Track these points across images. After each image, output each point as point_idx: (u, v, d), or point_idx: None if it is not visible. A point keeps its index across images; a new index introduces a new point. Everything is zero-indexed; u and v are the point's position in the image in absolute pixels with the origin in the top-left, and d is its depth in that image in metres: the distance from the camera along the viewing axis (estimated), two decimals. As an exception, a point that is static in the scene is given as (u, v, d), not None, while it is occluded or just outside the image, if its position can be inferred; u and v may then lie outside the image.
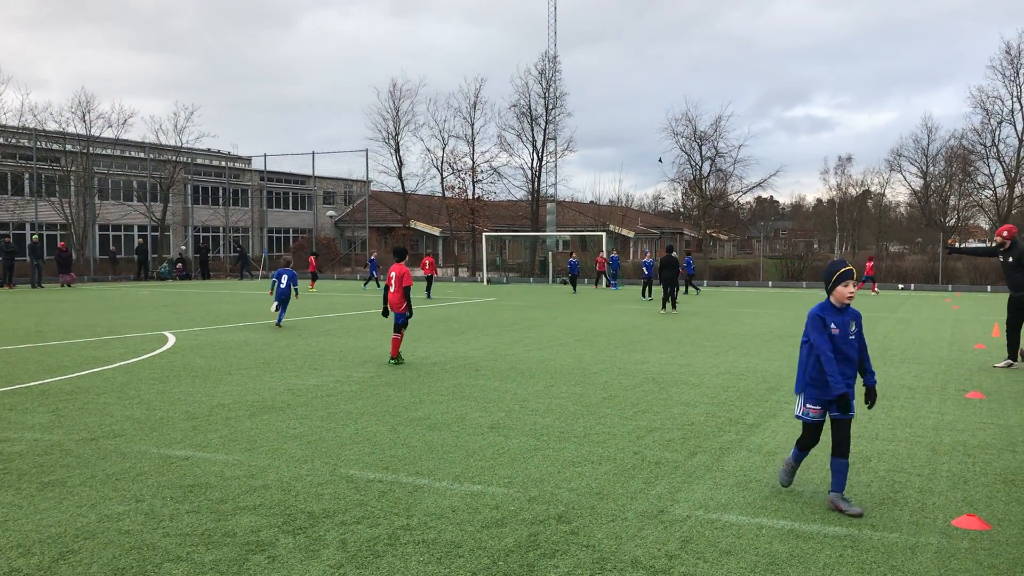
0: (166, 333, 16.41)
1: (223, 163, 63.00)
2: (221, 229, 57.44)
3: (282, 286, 17.96)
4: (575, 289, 37.08)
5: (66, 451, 6.94)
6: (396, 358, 12.37)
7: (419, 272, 31.32)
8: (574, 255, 39.24)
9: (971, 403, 9.23)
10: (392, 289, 12.54)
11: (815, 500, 5.67)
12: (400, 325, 12.48)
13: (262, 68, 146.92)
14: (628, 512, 5.41)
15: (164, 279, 45.30)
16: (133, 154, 54.52)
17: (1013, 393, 9.80)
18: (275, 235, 63.66)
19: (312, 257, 37.36)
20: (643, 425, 8.03)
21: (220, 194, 59.29)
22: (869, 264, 36.05)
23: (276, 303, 18.02)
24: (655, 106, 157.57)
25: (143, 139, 51.77)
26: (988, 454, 6.93)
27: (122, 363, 12.20)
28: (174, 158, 50.83)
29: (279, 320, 18.08)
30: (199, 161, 58.96)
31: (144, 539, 4.89)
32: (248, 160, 66.34)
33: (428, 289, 31.20)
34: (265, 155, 56.46)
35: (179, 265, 47.19)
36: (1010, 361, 11.95)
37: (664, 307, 23.22)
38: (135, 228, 52.73)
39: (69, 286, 36.90)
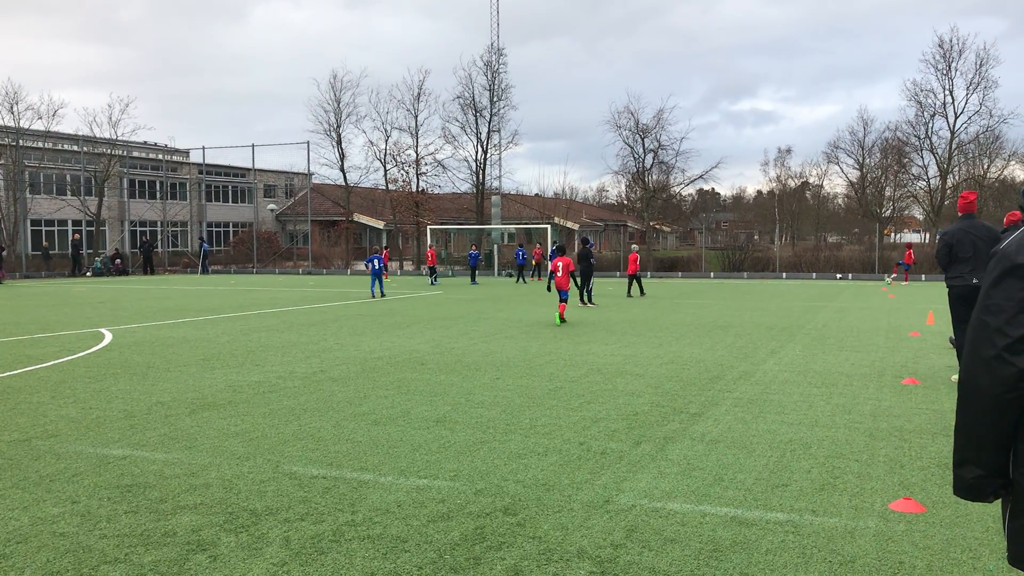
0: (102, 330, 16.02)
1: (160, 156, 61.70)
2: (159, 223, 56.27)
3: (375, 268, 26.63)
4: (523, 279, 37.11)
5: (-3, 453, 6.73)
6: (563, 320, 17.41)
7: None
8: (521, 244, 39.13)
9: (907, 389, 9.46)
10: (559, 274, 17.80)
11: (757, 487, 5.75)
12: (565, 297, 17.78)
13: (211, 60, 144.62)
14: (574, 503, 5.43)
15: (100, 275, 44.24)
16: (66, 147, 53.07)
17: (947, 379, 10.06)
18: (214, 229, 62.60)
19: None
20: (588, 416, 8.06)
21: (157, 188, 58.07)
22: (909, 252, 37.24)
23: (373, 280, 26.59)
24: (604, 100, 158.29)
25: (76, 131, 50.45)
26: (923, 438, 7.11)
27: (56, 361, 11.88)
28: (108, 151, 49.64)
29: (381, 293, 26.39)
30: (135, 154, 57.67)
31: (80, 541, 4.76)
32: (186, 153, 65.11)
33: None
34: (204, 148, 55.60)
35: (117, 261, 46.13)
36: None
37: (581, 300, 22.57)
38: (69, 223, 51.42)
39: (0, 283, 35.82)
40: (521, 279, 37.47)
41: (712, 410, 8.35)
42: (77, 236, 46.69)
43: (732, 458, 6.50)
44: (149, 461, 6.45)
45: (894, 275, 37.61)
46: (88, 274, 44.26)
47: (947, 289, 9.67)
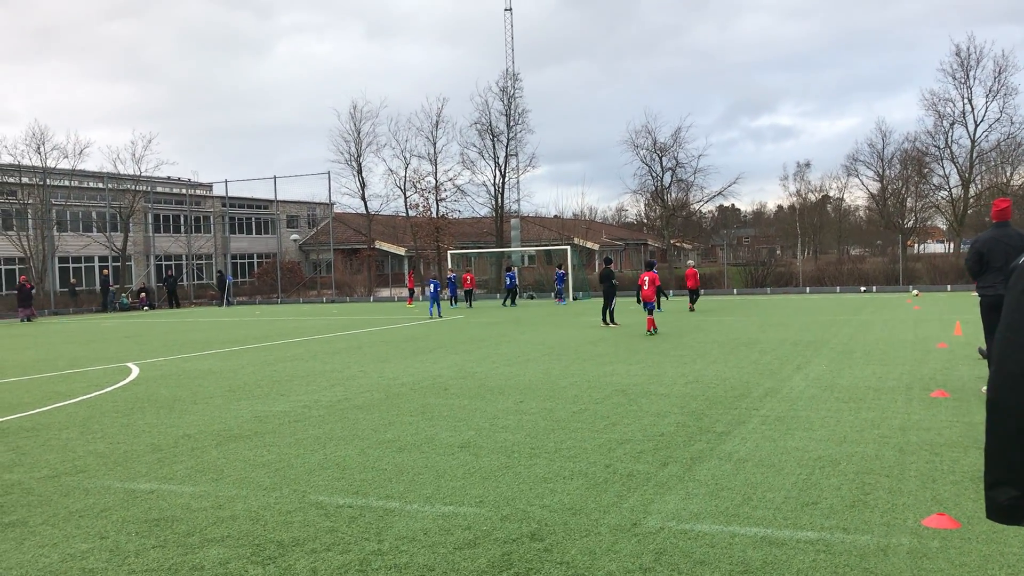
0: (129, 364, 16.15)
1: (183, 191, 62.39)
2: (184, 257, 56.82)
3: (431, 291, 30.44)
4: (512, 302, 36.82)
5: (27, 490, 6.78)
6: (653, 330, 19.36)
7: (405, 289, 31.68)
8: (510, 269, 38.90)
9: (936, 402, 9.33)
10: (646, 288, 20.21)
11: (786, 505, 5.68)
12: (652, 310, 20.11)
13: (234, 95, 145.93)
14: (601, 526, 5.38)
15: (126, 310, 44.67)
16: (91, 184, 53.81)
17: (977, 391, 9.92)
18: (239, 261, 63.09)
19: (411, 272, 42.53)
20: (614, 438, 8.01)
21: (182, 222, 58.69)
22: None
23: (432, 302, 30.03)
24: (621, 120, 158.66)
25: (101, 169, 51.17)
26: (955, 452, 7.00)
27: (84, 397, 11.98)
28: (133, 187, 50.27)
29: (439, 314, 29.74)
30: (159, 189, 58.36)
31: (109, 577, 4.77)
32: (209, 187, 65.77)
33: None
34: (227, 181, 56.03)
35: (142, 295, 46.58)
36: None
37: (604, 321, 22.63)
38: (96, 259, 52.01)
39: (30, 320, 36.25)
40: (511, 303, 37.17)
41: (739, 429, 8.27)
42: (106, 272, 47.18)
43: (760, 477, 6.43)
44: (176, 494, 6.47)
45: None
46: (123, 307, 44.71)
47: (978, 298, 9.55)
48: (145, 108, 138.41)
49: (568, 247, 43.23)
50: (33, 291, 38.73)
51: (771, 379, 11.51)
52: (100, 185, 52.48)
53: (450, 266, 42.20)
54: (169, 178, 60.49)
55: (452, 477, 6.74)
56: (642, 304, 20.66)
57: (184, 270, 56.64)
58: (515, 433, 8.40)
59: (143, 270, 55.46)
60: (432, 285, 30.95)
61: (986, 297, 9.36)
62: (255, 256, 64.82)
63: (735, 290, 43.01)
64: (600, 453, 7.41)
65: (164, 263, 56.20)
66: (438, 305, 30.30)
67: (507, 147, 53.18)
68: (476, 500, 6.06)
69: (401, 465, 7.20)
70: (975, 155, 50.90)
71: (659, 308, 26.81)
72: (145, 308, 45.44)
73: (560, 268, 39.16)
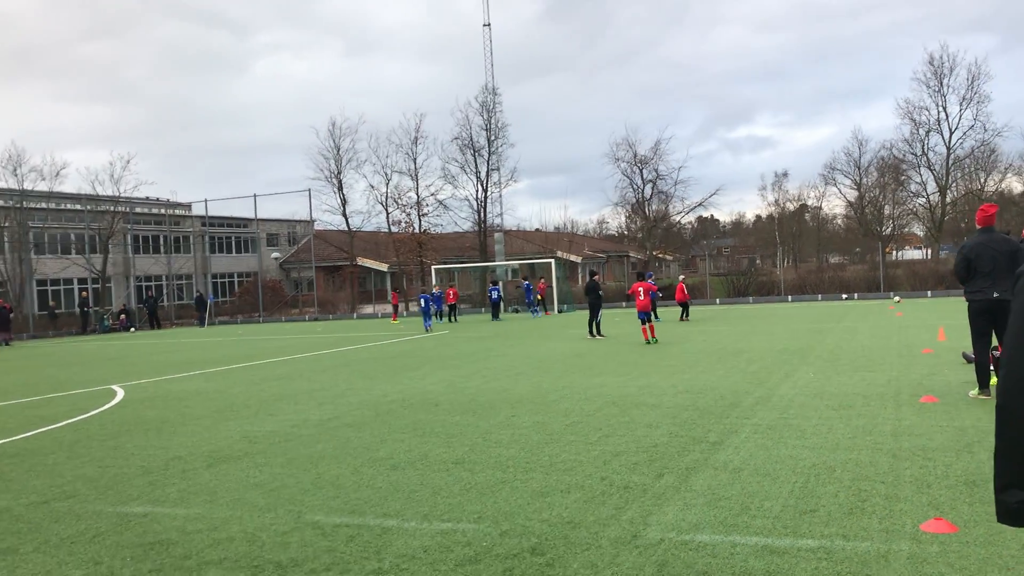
0: (114, 387, 16.00)
1: (163, 211, 62.05)
2: (164, 277, 56.45)
3: (423, 306, 31.29)
4: (496, 316, 37.07)
5: (16, 516, 6.69)
6: (652, 340, 19.80)
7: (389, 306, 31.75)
8: (494, 283, 39.19)
9: (926, 407, 9.39)
10: (642, 298, 20.50)
11: (785, 514, 5.69)
12: (648, 319, 20.36)
13: (213, 114, 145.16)
14: (602, 539, 5.37)
15: (107, 332, 44.30)
16: (70, 206, 53.44)
17: (964, 396, 9.99)
18: (219, 280, 62.75)
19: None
20: (608, 450, 8.01)
21: (161, 242, 58.34)
22: None
23: (425, 318, 30.75)
24: (602, 133, 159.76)
25: (79, 191, 50.83)
26: (948, 457, 7.04)
27: (69, 421, 11.85)
28: (112, 208, 49.95)
29: (426, 327, 30.18)
30: (138, 210, 58.02)
31: (106, 603, 4.70)
32: (188, 206, 65.46)
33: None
34: (206, 200, 55.87)
35: (122, 316, 46.21)
36: None
37: (591, 333, 22.73)
38: (75, 281, 51.60)
39: (7, 344, 35.86)
40: (496, 317, 37.47)
41: (732, 438, 8.29)
42: (85, 294, 46.79)
43: (757, 486, 6.44)
44: (170, 517, 6.40)
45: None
46: (104, 329, 44.37)
47: (966, 303, 9.63)
48: (123, 129, 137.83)
49: (552, 260, 43.33)
50: (12, 314, 38.33)
51: (760, 388, 11.54)
52: (78, 207, 52.15)
53: (434, 281, 42.17)
54: (148, 198, 60.19)
55: (448, 493, 6.70)
56: (638, 314, 20.91)
57: (165, 290, 56.27)
58: (509, 448, 8.37)
59: (123, 291, 55.03)
60: (423, 300, 31.75)
61: (974, 302, 9.44)
62: (236, 275, 64.50)
63: (718, 300, 43.19)
64: (595, 466, 7.39)
65: (144, 284, 55.80)
66: (428, 319, 30.97)
67: (488, 161, 53.36)
68: (474, 516, 6.03)
69: (396, 483, 7.15)
70: (951, 162, 51.52)
71: (656, 318, 27.06)
72: (132, 329, 45.10)
73: (525, 280, 39.18)
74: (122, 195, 50.05)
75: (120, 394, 14.78)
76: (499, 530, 5.67)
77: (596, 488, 6.62)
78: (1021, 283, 2.41)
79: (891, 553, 4.87)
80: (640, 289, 20.89)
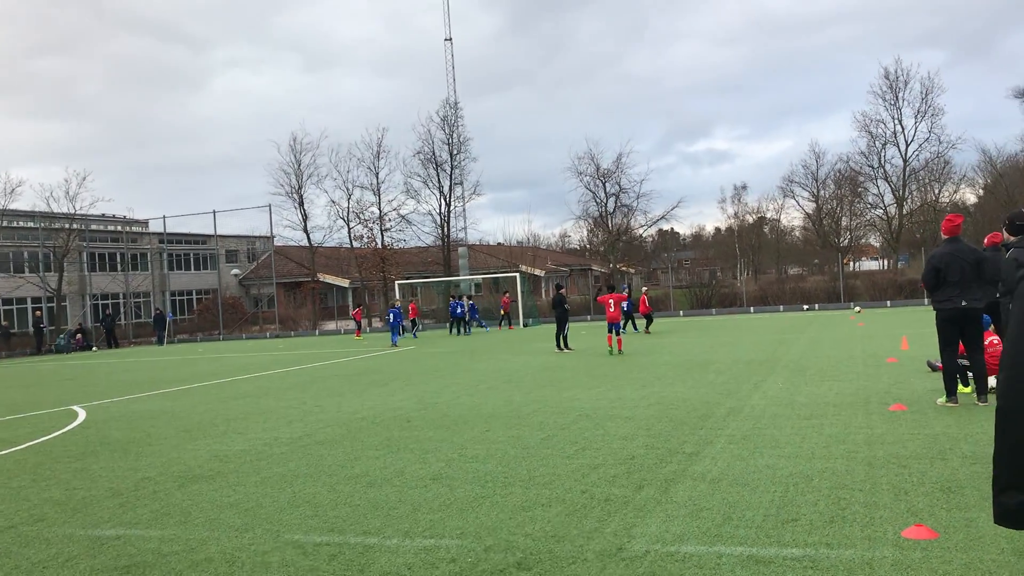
0: (75, 408, 15.67)
1: (119, 228, 61.12)
2: (121, 295, 55.56)
3: (391, 320, 31.41)
4: (457, 331, 37.19)
5: (-17, 542, 6.50)
6: (618, 352, 20.28)
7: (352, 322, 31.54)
8: (455, 297, 39.20)
9: (896, 415, 9.51)
10: (612, 309, 20.93)
11: (767, 524, 5.71)
12: (619, 329, 20.85)
13: (171, 130, 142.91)
14: (587, 552, 5.35)
15: (62, 351, 43.46)
16: (23, 224, 52.42)
17: (932, 403, 10.14)
18: (178, 298, 61.92)
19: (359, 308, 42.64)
20: (586, 463, 8.00)
21: (118, 260, 57.43)
22: None
23: (391, 332, 31.12)
24: (563, 147, 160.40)
25: (34, 207, 49.91)
26: (922, 464, 7.13)
27: (31, 443, 11.57)
28: (67, 226, 49.10)
29: (393, 341, 30.56)
30: (94, 227, 57.07)
31: (84, 629, 4.58)
32: (145, 223, 64.57)
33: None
34: (164, 217, 55.14)
35: (78, 336, 45.36)
36: None
37: (559, 346, 22.78)
38: (28, 300, 50.57)
39: (-39, 366, 35.03)
40: (457, 331, 37.45)
41: (707, 449, 8.32)
42: (38, 313, 45.87)
43: (737, 496, 6.46)
44: (145, 539, 6.26)
45: None
46: (59, 349, 43.53)
47: (935, 312, 9.76)
48: (78, 145, 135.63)
49: (517, 274, 43.35)
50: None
51: (731, 399, 11.62)
52: (32, 224, 51.18)
53: (398, 297, 41.98)
54: (104, 215, 59.28)
55: (428, 510, 6.64)
56: (608, 325, 21.12)
57: (122, 309, 55.36)
58: (485, 462, 8.32)
59: (79, 310, 54.04)
60: (392, 314, 32.02)
61: (943, 311, 9.59)
62: (195, 292, 63.68)
63: (681, 311, 43.51)
64: (574, 479, 7.38)
65: (101, 302, 54.86)
66: (395, 334, 31.27)
67: (451, 175, 53.36)
68: (457, 532, 5.98)
69: (374, 500, 7.07)
70: (907, 174, 52.52)
71: (624, 330, 27.16)
72: (94, 348, 44.27)
73: (457, 298, 38.91)
74: (78, 212, 49.22)
75: (82, 415, 14.48)
76: (483, 545, 5.63)
77: (577, 501, 6.60)
78: (1020, 288, 2.45)
79: (875, 560, 4.90)
80: (611, 300, 21.26)
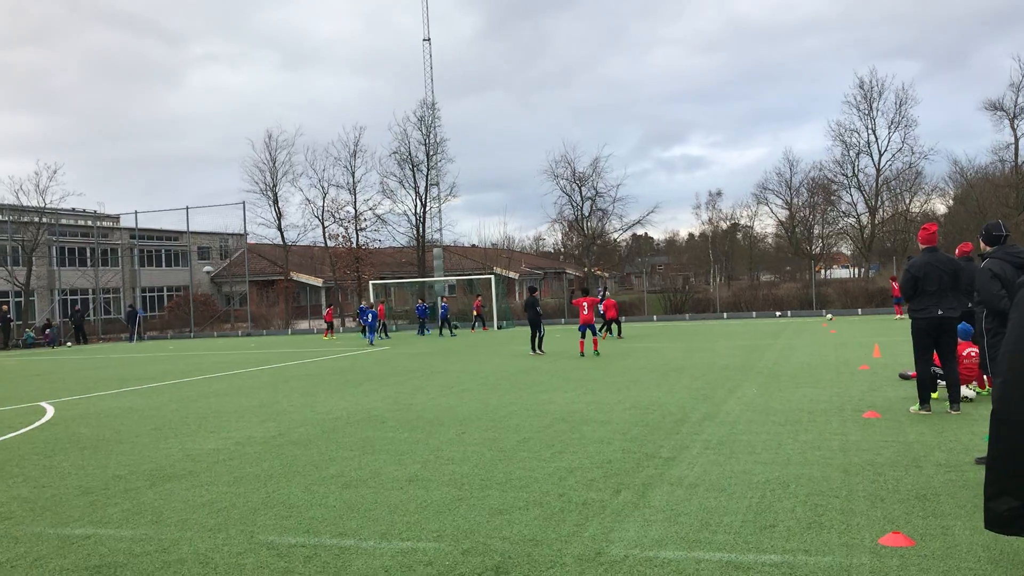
0: (43, 404, 15.42)
1: (90, 222, 60.36)
2: (91, 291, 54.85)
3: (368, 320, 32.27)
4: (422, 332, 37.56)
5: (-52, 540, 6.36)
6: (596, 352, 21.26)
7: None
8: (422, 300, 39.78)
9: (870, 423, 9.57)
10: (585, 312, 21.31)
11: (745, 529, 5.72)
12: (594, 331, 21.30)
13: (146, 125, 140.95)
14: (565, 557, 5.32)
15: (30, 347, 42.84)
16: (-9, 217, 51.63)
17: (906, 411, 10.22)
18: (149, 294, 61.27)
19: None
20: (563, 466, 7.97)
21: (88, 255, 56.71)
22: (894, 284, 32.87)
23: (364, 330, 32.56)
24: (540, 150, 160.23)
25: (2, 201, 49.13)
26: (897, 472, 7.17)
27: (-2, 439, 11.37)
28: (37, 219, 48.42)
29: (371, 341, 31.58)
30: (64, 221, 56.31)
31: (54, 631, 4.49)
32: (116, 218, 63.82)
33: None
34: (136, 212, 54.50)
35: (47, 332, 44.73)
36: None
37: (533, 349, 22.69)
38: (-5, 294, 49.79)
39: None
40: (423, 332, 37.90)
41: (684, 453, 8.33)
42: (5, 308, 45.16)
43: (715, 501, 6.47)
44: (116, 539, 6.15)
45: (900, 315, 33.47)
46: (27, 344, 42.91)
47: (911, 320, 9.83)
48: (50, 138, 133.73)
49: (492, 276, 43.29)
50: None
51: (706, 404, 11.65)
52: (1, 217, 50.42)
53: (371, 297, 41.79)
54: (75, 210, 58.52)
55: (405, 512, 6.58)
56: (579, 327, 21.69)
57: (91, 304, 54.66)
58: (462, 465, 8.28)
59: (47, 305, 53.30)
60: (369, 315, 32.71)
61: (919, 319, 9.66)
62: (166, 289, 63.03)
63: (655, 316, 43.67)
64: (551, 482, 7.35)
65: (70, 297, 54.14)
66: (372, 333, 32.32)
67: (427, 176, 53.21)
68: (434, 534, 5.93)
69: (350, 501, 7.00)
70: (880, 183, 53.09)
71: (600, 333, 27.21)
72: (69, 344, 43.64)
73: (422, 301, 39.77)
74: (47, 206, 48.57)
75: (50, 411, 14.25)
76: (460, 548, 5.58)
77: (555, 505, 6.58)
78: (1020, 295, 2.45)
79: (853, 567, 4.92)
80: (584, 303, 21.69)
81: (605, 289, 31.20)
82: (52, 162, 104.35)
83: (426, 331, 38.24)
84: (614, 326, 29.67)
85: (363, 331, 37.35)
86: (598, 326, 29.15)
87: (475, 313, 40.15)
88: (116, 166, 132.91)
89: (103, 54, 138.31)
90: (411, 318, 49.13)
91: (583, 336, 21.34)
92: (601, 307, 29.24)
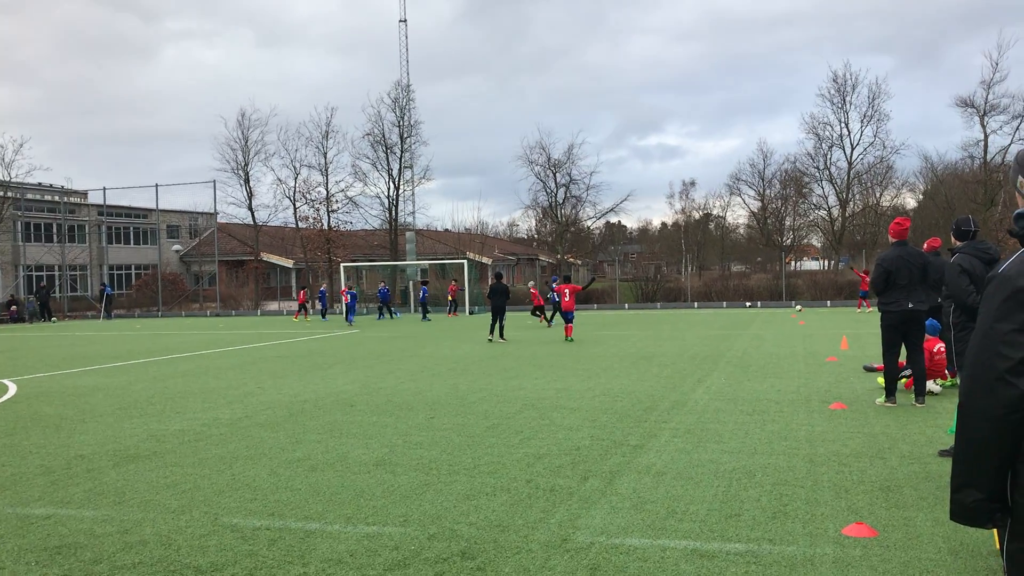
0: (5, 381, 15.19)
1: (56, 198, 59.42)
2: (57, 267, 54.07)
3: (349, 301, 33.94)
4: (391, 315, 37.80)
5: (-96, 518, 6.24)
6: (570, 338, 21.47)
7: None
8: (382, 283, 39.93)
9: (836, 414, 9.67)
10: (567, 298, 22.00)
11: (710, 518, 5.75)
12: (572, 318, 21.97)
13: (117, 100, 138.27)
14: (532, 543, 5.32)
15: (-6, 323, 42.20)
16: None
17: (872, 403, 10.33)
18: (116, 272, 60.48)
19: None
20: (531, 452, 7.97)
21: (55, 230, 55.86)
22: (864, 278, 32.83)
23: (347, 311, 33.73)
24: (515, 136, 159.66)
25: (-35, 173, 48.23)
26: (862, 462, 7.24)
27: (-42, 416, 11.17)
28: (1, 193, 47.59)
29: (350, 321, 33.11)
30: (29, 196, 55.38)
31: (10, 612, 4.41)
32: (84, 194, 62.87)
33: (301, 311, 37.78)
34: (104, 188, 53.69)
35: (13, 308, 44.07)
36: None
37: (491, 334, 22.33)
38: (-42, 269, 48.95)
39: None
40: (389, 314, 38.00)
41: (652, 442, 8.36)
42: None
43: (681, 489, 6.50)
44: (77, 519, 6.07)
45: (864, 307, 33.24)
46: None
47: (881, 313, 9.91)
48: (17, 111, 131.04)
49: (465, 261, 43.20)
50: None
51: (675, 392, 11.71)
52: (-35, 191, 49.50)
53: (343, 280, 41.54)
54: (41, 184, 57.57)
55: (371, 496, 6.55)
56: (561, 313, 22.75)
57: (57, 281, 53.90)
58: (430, 449, 8.25)
59: (12, 281, 52.48)
60: (350, 296, 34.25)
61: (889, 313, 9.74)
62: (134, 267, 62.28)
63: (627, 305, 43.83)
64: (519, 468, 7.35)
65: (35, 274, 53.33)
66: (352, 315, 33.85)
67: (401, 159, 52.92)
68: (400, 519, 5.90)
69: (315, 485, 6.96)
70: (851, 176, 53.53)
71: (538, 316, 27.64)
72: (55, 320, 42.99)
73: (383, 284, 39.91)
74: (13, 180, 47.74)
75: (12, 389, 14.04)
76: (426, 533, 5.56)
77: (522, 491, 6.57)
78: (991, 287, 2.46)
79: (816, 557, 4.96)
80: (566, 290, 22.52)
81: (562, 277, 31.32)
82: (19, 135, 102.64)
83: (392, 314, 38.08)
84: (547, 313, 30.11)
85: (322, 314, 37.70)
86: (549, 314, 29.46)
87: (450, 298, 40.07)
88: (85, 141, 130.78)
89: (75, 26, 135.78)
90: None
91: (568, 321, 21.97)
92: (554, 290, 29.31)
